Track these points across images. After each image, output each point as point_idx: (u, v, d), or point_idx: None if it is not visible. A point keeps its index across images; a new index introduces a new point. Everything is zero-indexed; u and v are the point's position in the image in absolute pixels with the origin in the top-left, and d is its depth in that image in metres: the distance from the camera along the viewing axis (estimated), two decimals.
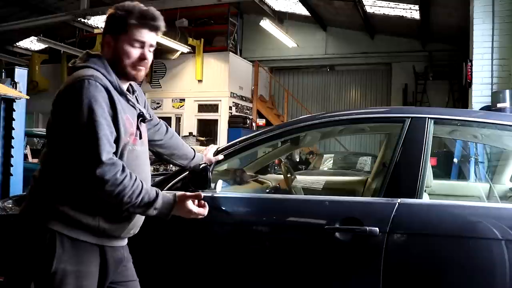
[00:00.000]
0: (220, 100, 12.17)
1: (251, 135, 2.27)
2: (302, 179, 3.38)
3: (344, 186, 3.37)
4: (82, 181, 1.49)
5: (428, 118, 2.05)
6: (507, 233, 1.76)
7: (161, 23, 1.61)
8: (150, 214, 1.55)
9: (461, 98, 11.62)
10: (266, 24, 10.77)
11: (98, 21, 10.69)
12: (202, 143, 10.96)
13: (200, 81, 12.31)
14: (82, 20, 10.45)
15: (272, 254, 2.00)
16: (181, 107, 12.63)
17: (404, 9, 10.43)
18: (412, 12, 10.47)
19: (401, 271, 1.84)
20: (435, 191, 2.80)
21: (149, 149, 1.83)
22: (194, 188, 2.04)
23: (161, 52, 12.15)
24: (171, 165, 3.08)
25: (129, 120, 1.59)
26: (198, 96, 12.38)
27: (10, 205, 2.31)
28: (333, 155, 9.85)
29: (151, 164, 2.86)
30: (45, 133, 1.64)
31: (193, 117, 12.51)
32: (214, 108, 12.35)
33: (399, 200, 1.89)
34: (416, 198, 1.90)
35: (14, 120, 3.70)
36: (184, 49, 11.82)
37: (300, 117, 2.39)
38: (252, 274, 2.03)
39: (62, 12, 10.64)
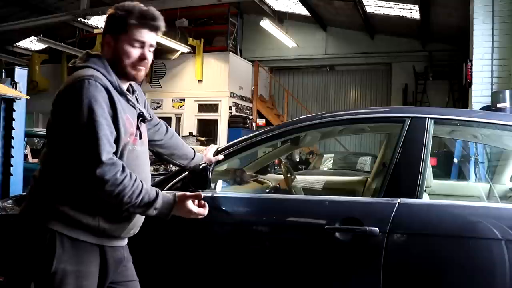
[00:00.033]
0: (220, 100, 12.17)
1: (251, 135, 2.27)
2: (302, 179, 3.38)
3: (344, 186, 3.37)
4: (82, 181, 1.49)
5: (428, 118, 2.05)
6: (507, 233, 1.76)
7: (161, 23, 1.61)
8: (150, 214, 1.55)
9: (461, 98, 11.62)
10: (266, 24, 10.77)
11: (98, 21, 10.69)
12: (202, 143, 10.96)
13: (200, 81, 12.31)
14: (82, 20, 10.45)
15: (272, 254, 2.00)
16: (181, 107, 12.63)
17: (404, 9, 10.43)
18: (412, 12, 10.47)
19: (401, 271, 1.84)
20: (435, 191, 2.80)
21: (149, 149, 1.83)
22: (194, 188, 2.05)
23: (161, 52, 12.15)
24: (171, 165, 3.08)
25: (129, 120, 1.59)
26: (198, 96, 12.38)
27: (10, 205, 2.31)
28: (333, 155, 9.85)
29: (151, 164, 2.86)
30: (45, 133, 1.64)
31: (193, 117, 12.51)
32: (214, 108, 12.35)
33: (399, 200, 1.89)
34: (416, 198, 1.90)
35: (14, 120, 3.70)
36: (184, 49, 11.82)
37: (300, 117, 2.39)
38: (252, 274, 2.03)
39: (62, 12, 10.64)
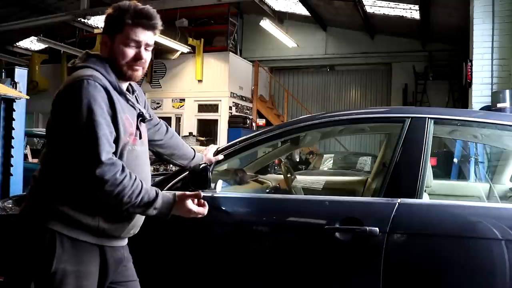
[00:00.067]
0: (220, 100, 12.17)
1: (251, 135, 2.27)
2: (302, 179, 3.38)
3: (344, 186, 3.37)
4: (81, 181, 1.49)
5: (428, 118, 2.05)
6: (507, 233, 1.76)
7: (157, 22, 1.60)
8: (150, 214, 1.55)
9: (461, 98, 11.62)
10: (266, 24, 10.77)
11: (98, 21, 10.69)
12: (202, 143, 10.96)
13: (200, 81, 12.31)
14: (82, 20, 10.45)
15: (272, 254, 2.00)
16: (181, 107, 12.63)
17: (404, 9, 10.43)
18: (412, 12, 10.47)
19: (401, 271, 1.84)
20: (435, 191, 2.80)
21: (149, 149, 1.83)
22: (194, 188, 2.04)
23: (161, 52, 12.17)
24: (171, 165, 3.08)
25: (129, 120, 1.59)
26: (198, 96, 12.38)
27: (10, 205, 2.31)
28: (333, 155, 9.85)
29: (151, 164, 2.86)
30: (45, 133, 1.64)
31: (193, 117, 12.51)
32: (214, 108, 12.35)
33: (399, 200, 1.89)
34: (416, 198, 1.90)
35: (14, 120, 3.70)
36: (184, 49, 11.82)
37: (300, 117, 2.39)
38: (253, 274, 2.03)
39: (62, 12, 10.63)
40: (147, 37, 1.59)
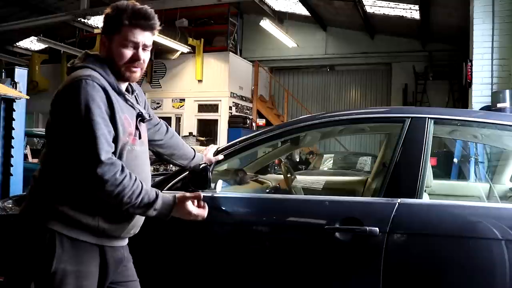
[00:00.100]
0: (220, 100, 12.17)
1: (251, 135, 2.27)
2: (302, 179, 3.38)
3: (344, 186, 3.37)
4: (81, 181, 1.49)
5: (428, 118, 2.05)
6: (507, 233, 1.76)
7: (155, 22, 1.59)
8: (149, 214, 1.55)
9: (461, 98, 11.62)
10: (266, 24, 10.77)
11: (98, 21, 10.70)
12: (202, 143, 10.96)
13: (200, 81, 12.31)
14: (82, 20, 10.45)
15: (272, 254, 2.00)
16: (181, 107, 12.63)
17: (404, 9, 10.43)
18: (412, 12, 10.47)
19: (401, 271, 1.84)
20: (435, 191, 2.80)
21: (149, 149, 1.83)
22: (194, 188, 2.05)
23: (161, 52, 12.17)
24: (171, 165, 3.07)
25: (128, 120, 1.59)
26: (198, 96, 12.39)
27: (10, 205, 2.31)
28: (333, 155, 9.85)
29: (151, 164, 2.86)
30: (44, 133, 1.64)
31: (193, 117, 12.51)
32: (214, 108, 12.35)
33: (399, 200, 1.89)
34: (416, 198, 1.90)
35: (14, 120, 3.70)
36: (184, 49, 11.82)
37: (300, 117, 2.39)
38: (252, 274, 2.03)
39: (62, 12, 10.64)
40: (145, 37, 1.58)
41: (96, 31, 11.30)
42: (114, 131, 1.51)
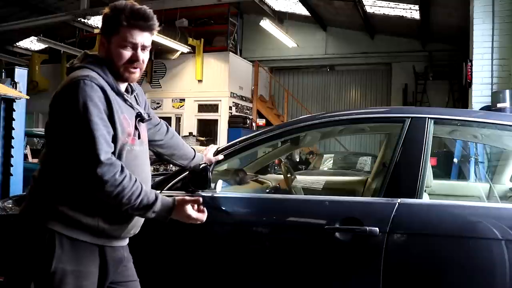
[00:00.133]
0: (220, 100, 12.17)
1: (251, 135, 2.27)
2: (302, 179, 3.37)
3: (344, 186, 3.37)
4: (81, 182, 1.49)
5: (428, 118, 2.05)
6: (507, 233, 1.76)
7: (154, 23, 1.58)
8: (148, 216, 1.56)
9: (461, 98, 11.62)
10: (266, 24, 10.77)
11: (98, 21, 10.69)
12: (202, 143, 10.96)
13: (200, 81, 12.31)
14: (82, 20, 10.46)
15: (272, 254, 2.00)
16: (181, 107, 12.63)
17: (404, 9, 10.43)
18: (412, 12, 10.47)
19: (401, 271, 1.84)
20: (435, 191, 2.80)
21: (150, 149, 1.83)
22: (194, 188, 2.05)
23: (161, 52, 12.17)
24: (171, 165, 3.07)
25: (127, 120, 1.58)
26: (198, 96, 12.39)
27: (10, 205, 2.31)
28: (333, 155, 9.85)
29: (151, 164, 2.86)
30: (44, 134, 1.64)
31: (193, 117, 12.51)
32: (214, 108, 12.35)
33: (399, 200, 1.89)
34: (416, 198, 1.90)
35: (14, 120, 3.70)
36: (184, 49, 11.82)
37: (300, 117, 2.39)
38: (252, 274, 2.03)
39: (62, 12, 10.64)
40: (143, 38, 1.58)
41: (96, 31, 11.30)
42: (113, 131, 1.51)
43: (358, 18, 11.85)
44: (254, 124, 12.39)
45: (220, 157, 2.18)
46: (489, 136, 2.68)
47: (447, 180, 4.08)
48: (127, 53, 1.57)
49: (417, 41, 12.62)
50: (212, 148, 2.22)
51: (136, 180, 1.51)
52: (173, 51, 12.11)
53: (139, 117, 1.66)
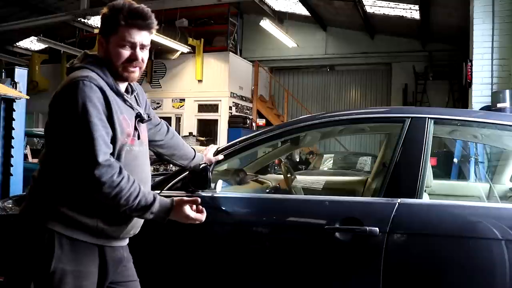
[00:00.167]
0: (220, 100, 12.17)
1: (251, 135, 2.27)
2: (302, 179, 3.37)
3: (344, 186, 3.37)
4: (80, 182, 1.49)
5: (428, 118, 2.05)
6: (507, 233, 1.76)
7: (152, 21, 1.58)
8: (146, 217, 1.56)
9: (461, 98, 11.62)
10: (266, 24, 10.77)
11: (98, 21, 10.59)
12: (202, 143, 10.96)
13: (200, 81, 12.31)
14: (82, 20, 10.46)
15: (272, 254, 2.00)
16: (181, 107, 12.64)
17: (404, 9, 10.43)
18: (412, 12, 10.47)
19: (401, 271, 1.84)
20: (435, 191, 2.80)
21: (150, 149, 1.82)
22: (194, 188, 2.05)
23: (161, 52, 12.17)
24: (171, 165, 3.07)
25: (126, 120, 1.58)
26: (198, 96, 12.39)
27: (10, 205, 2.31)
28: (333, 155, 9.85)
29: (151, 164, 2.86)
30: (44, 134, 1.64)
31: (193, 117, 12.51)
32: (214, 108, 12.35)
33: (399, 200, 1.89)
34: (416, 198, 1.90)
35: (14, 120, 3.70)
36: (184, 49, 11.82)
37: (300, 117, 2.39)
38: (252, 274, 2.03)
39: (62, 12, 10.64)
40: (142, 37, 1.57)
41: (96, 31, 11.28)
42: (111, 132, 1.51)
43: (358, 18, 11.85)
44: (254, 124, 12.39)
45: (220, 157, 2.18)
46: (489, 136, 2.68)
47: (447, 180, 4.08)
48: (126, 53, 1.56)
49: (417, 41, 12.62)
50: (212, 148, 2.21)
51: (134, 181, 1.50)
52: (173, 51, 12.11)
53: (139, 118, 1.65)
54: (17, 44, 14.95)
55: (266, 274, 2.00)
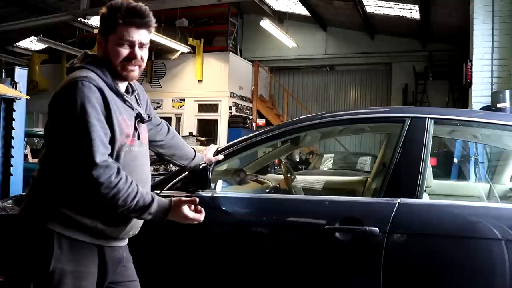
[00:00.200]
0: (220, 100, 12.18)
1: (251, 135, 2.27)
2: (302, 179, 3.37)
3: (344, 186, 3.37)
4: (78, 183, 1.49)
5: (428, 118, 2.05)
6: (507, 233, 1.76)
7: (150, 20, 1.58)
8: (145, 218, 1.55)
9: (461, 98, 11.62)
10: (266, 24, 10.77)
11: (98, 21, 10.62)
12: (202, 143, 10.96)
13: (200, 81, 12.31)
14: (82, 20, 10.46)
15: (272, 254, 2.00)
16: (181, 107, 12.64)
17: (404, 9, 10.43)
18: (412, 12, 10.47)
19: (401, 271, 1.84)
20: (435, 191, 2.80)
21: (150, 149, 1.82)
22: (194, 188, 2.05)
23: (161, 52, 12.17)
24: (171, 165, 3.07)
25: (125, 121, 1.58)
26: (198, 96, 12.39)
27: (10, 205, 2.31)
28: (333, 155, 9.85)
29: (151, 164, 2.86)
30: (43, 134, 1.64)
31: (193, 117, 12.51)
32: (214, 108, 12.35)
33: (399, 200, 1.89)
34: (416, 198, 1.90)
35: (14, 120, 3.70)
36: (184, 49, 11.82)
37: (300, 117, 2.39)
38: (252, 274, 2.03)
39: (62, 12, 10.64)
40: (140, 36, 1.57)
41: (96, 31, 11.22)
42: (110, 133, 1.51)
43: (358, 18, 11.85)
44: (254, 124, 12.39)
45: (220, 157, 2.18)
46: (489, 136, 2.68)
47: (447, 180, 4.08)
48: (125, 51, 1.56)
49: (417, 41, 12.62)
50: (212, 148, 2.21)
51: (132, 182, 1.50)
52: (173, 51, 12.12)
53: (139, 118, 1.65)
54: (17, 44, 14.95)
55: (266, 274, 2.00)
